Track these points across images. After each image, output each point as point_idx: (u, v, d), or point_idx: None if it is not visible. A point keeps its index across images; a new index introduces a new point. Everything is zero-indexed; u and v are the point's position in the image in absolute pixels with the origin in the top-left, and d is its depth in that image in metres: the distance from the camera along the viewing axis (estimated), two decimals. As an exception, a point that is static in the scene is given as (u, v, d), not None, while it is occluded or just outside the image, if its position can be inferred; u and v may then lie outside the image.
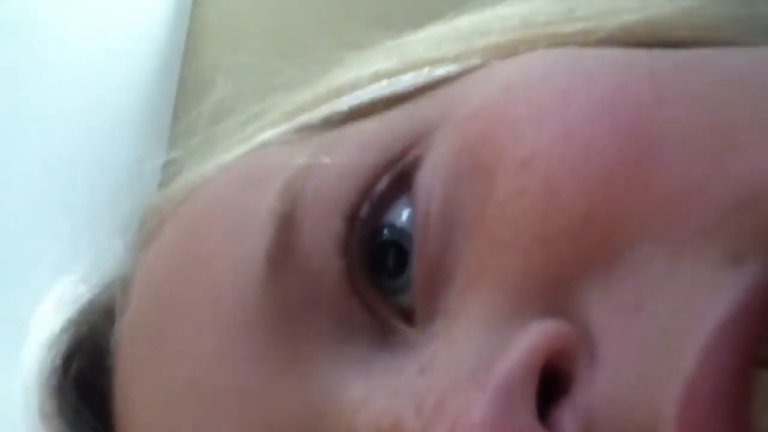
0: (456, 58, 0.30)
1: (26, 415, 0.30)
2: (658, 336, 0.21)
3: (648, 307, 0.22)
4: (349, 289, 0.26)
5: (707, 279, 0.21)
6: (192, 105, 0.37)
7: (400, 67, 0.30)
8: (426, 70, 0.30)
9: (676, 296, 0.21)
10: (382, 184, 0.26)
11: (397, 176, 0.26)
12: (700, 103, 0.24)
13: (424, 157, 0.26)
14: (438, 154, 0.26)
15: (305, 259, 0.26)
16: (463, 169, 0.25)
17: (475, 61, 0.29)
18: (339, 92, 0.31)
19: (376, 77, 0.30)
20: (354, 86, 0.31)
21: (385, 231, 0.26)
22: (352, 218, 0.26)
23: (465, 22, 0.33)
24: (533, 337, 0.22)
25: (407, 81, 0.30)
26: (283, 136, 0.31)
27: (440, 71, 0.30)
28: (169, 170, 0.35)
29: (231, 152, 0.31)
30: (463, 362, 0.23)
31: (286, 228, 0.26)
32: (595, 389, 0.21)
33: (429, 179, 0.25)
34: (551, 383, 0.22)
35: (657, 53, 0.28)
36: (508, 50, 0.29)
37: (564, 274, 0.23)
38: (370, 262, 0.26)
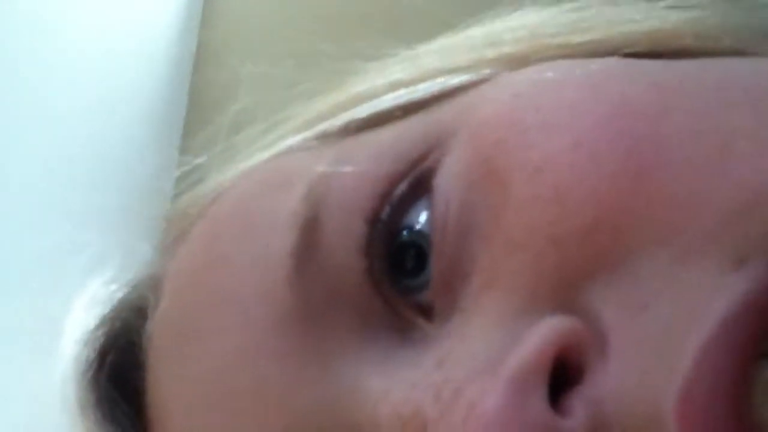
0: (469, 68, 0.31)
1: (64, 407, 0.32)
2: (660, 336, 0.22)
3: (652, 307, 0.23)
4: (370, 287, 0.27)
5: (709, 281, 0.22)
6: (204, 108, 0.38)
7: (415, 76, 0.32)
8: (440, 79, 0.31)
9: (679, 298, 0.23)
10: (401, 188, 0.28)
11: (415, 181, 0.28)
12: (703, 113, 0.25)
13: (440, 162, 0.27)
14: (453, 160, 0.27)
15: (329, 260, 0.27)
16: (477, 175, 0.26)
17: (487, 70, 0.31)
18: (358, 101, 0.32)
19: (393, 86, 0.32)
20: (372, 95, 0.32)
21: (405, 232, 0.27)
22: (373, 221, 0.27)
23: (477, 32, 0.34)
24: (545, 331, 0.24)
25: (423, 90, 0.31)
26: (305, 142, 0.32)
27: (454, 80, 0.31)
28: (188, 174, 0.37)
29: (254, 158, 0.33)
30: (479, 355, 0.24)
31: (310, 230, 0.28)
32: (604, 381, 0.23)
33: (446, 184, 0.27)
34: (563, 377, 0.23)
35: (661, 64, 0.29)
36: (519, 60, 0.31)
37: (575, 275, 0.24)
38: (390, 262, 0.27)
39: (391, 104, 0.31)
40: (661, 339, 0.22)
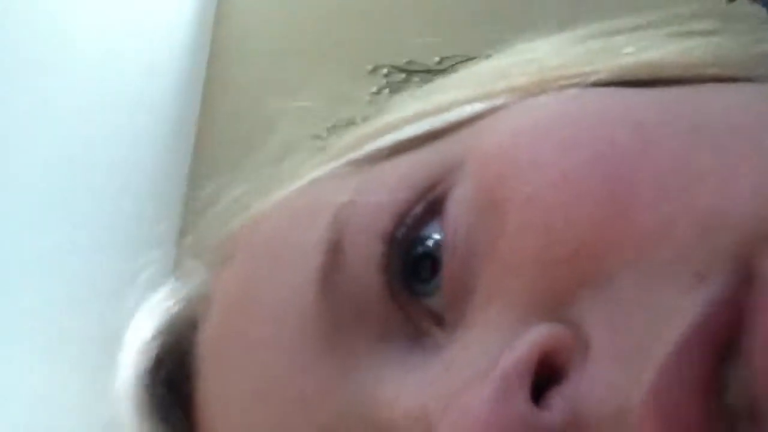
0: (481, 99, 0.35)
1: (124, 412, 0.36)
2: (632, 347, 0.26)
3: (627, 322, 0.26)
4: (389, 299, 0.31)
5: (671, 301, 0.26)
6: (217, 108, 0.42)
7: (429, 109, 0.36)
8: (455, 111, 0.35)
9: (646, 316, 0.26)
10: (416, 211, 0.31)
11: (428, 205, 0.31)
12: (677, 145, 0.28)
13: (452, 188, 0.31)
14: (462, 188, 0.31)
15: (351, 278, 0.31)
16: (482, 204, 0.30)
17: (498, 101, 0.34)
18: (381, 132, 0.36)
19: (413, 118, 0.36)
20: (394, 126, 0.36)
21: (419, 248, 0.31)
22: (390, 241, 0.31)
23: (489, 65, 0.38)
24: (533, 336, 0.27)
25: (438, 121, 0.35)
26: (334, 170, 0.36)
27: (467, 111, 0.35)
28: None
29: (289, 187, 0.37)
30: (477, 362, 0.28)
31: (335, 253, 0.32)
32: (582, 382, 0.26)
33: (455, 209, 0.31)
34: (551, 378, 0.27)
35: (648, 95, 0.32)
36: (526, 92, 0.34)
37: (563, 294, 0.28)
38: (406, 275, 0.31)
39: (411, 134, 0.35)
40: (633, 350, 0.26)
